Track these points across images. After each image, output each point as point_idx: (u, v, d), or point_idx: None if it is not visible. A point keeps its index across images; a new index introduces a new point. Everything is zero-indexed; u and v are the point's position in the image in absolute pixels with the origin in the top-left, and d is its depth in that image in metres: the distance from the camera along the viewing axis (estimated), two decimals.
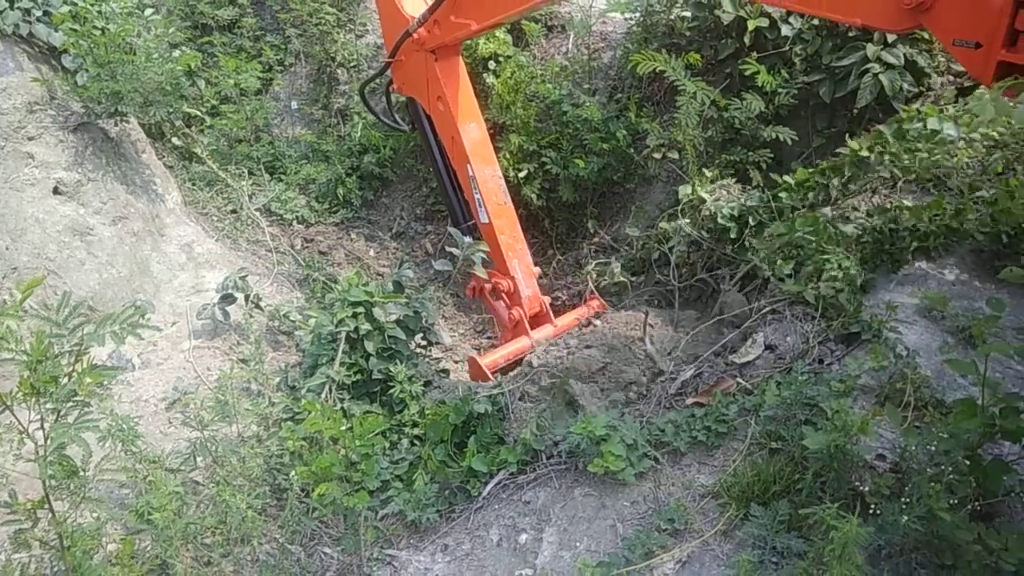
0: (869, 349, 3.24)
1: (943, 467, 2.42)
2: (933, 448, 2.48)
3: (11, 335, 2.32)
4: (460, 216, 5.16)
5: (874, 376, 3.37)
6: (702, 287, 4.85)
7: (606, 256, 6.03)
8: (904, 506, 2.37)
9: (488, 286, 5.06)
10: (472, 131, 4.73)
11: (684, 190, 4.83)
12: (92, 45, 4.55)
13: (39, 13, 4.72)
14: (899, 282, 3.86)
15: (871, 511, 2.51)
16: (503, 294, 4.96)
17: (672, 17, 5.60)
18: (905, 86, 4.36)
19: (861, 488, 2.63)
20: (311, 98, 7.61)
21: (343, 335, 4.27)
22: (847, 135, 4.42)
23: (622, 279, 4.95)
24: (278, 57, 7.50)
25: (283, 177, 6.97)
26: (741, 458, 3.14)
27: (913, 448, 2.61)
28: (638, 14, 5.81)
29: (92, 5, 4.94)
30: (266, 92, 7.51)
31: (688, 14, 5.50)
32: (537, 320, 4.89)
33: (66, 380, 2.33)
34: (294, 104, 7.70)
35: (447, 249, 4.86)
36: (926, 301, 3.51)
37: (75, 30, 4.66)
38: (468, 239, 4.82)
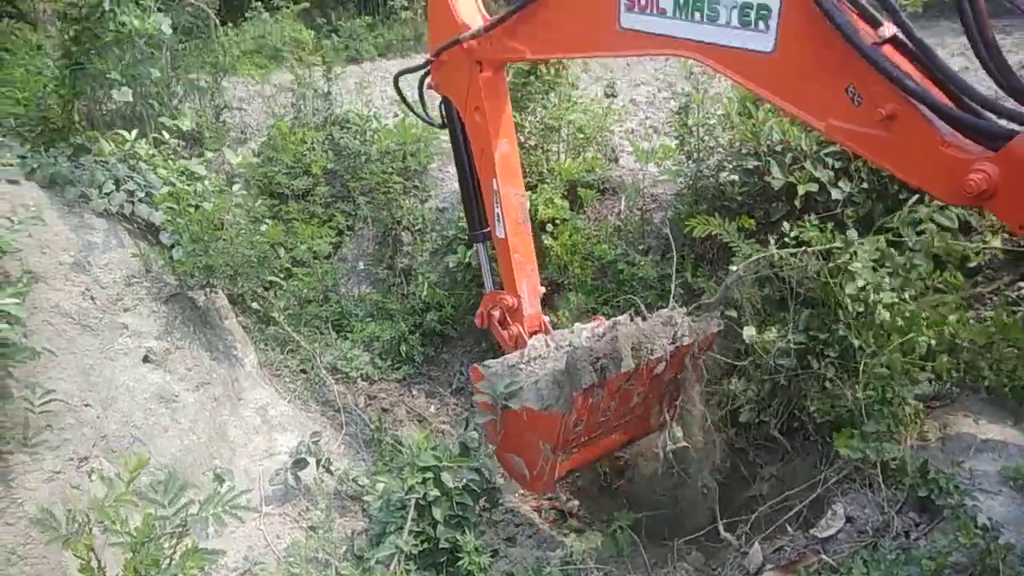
0: (959, 525, 3.14)
1: None
2: None
3: (118, 518, 2.44)
4: (476, 222, 5.21)
5: (964, 552, 3.25)
6: (773, 447, 4.78)
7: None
8: None
9: (496, 314, 5.11)
10: (503, 147, 4.67)
11: (748, 332, 4.87)
12: (188, 222, 4.97)
13: (142, 194, 5.22)
14: (977, 448, 3.78)
15: None
16: (506, 310, 4.99)
17: (721, 181, 5.88)
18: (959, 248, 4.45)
19: None
20: (376, 259, 8.03)
21: (412, 502, 4.29)
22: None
23: (685, 443, 4.90)
24: (348, 223, 8.00)
25: (349, 335, 7.23)
26: None
27: None
28: (688, 178, 6.12)
29: (187, 185, 5.45)
30: (335, 254, 7.96)
31: (736, 178, 5.78)
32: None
33: (167, 563, 2.41)
34: (360, 265, 8.13)
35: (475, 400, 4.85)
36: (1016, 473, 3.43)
37: (173, 208, 5.12)
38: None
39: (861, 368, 4.18)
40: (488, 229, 5.08)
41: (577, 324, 5.16)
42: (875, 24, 2.49)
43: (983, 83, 2.63)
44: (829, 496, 4.04)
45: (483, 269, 5.50)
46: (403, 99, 5.76)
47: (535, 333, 5.00)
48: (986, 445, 3.71)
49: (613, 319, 4.90)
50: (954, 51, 8.82)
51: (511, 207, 4.78)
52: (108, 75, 4.93)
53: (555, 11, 3.72)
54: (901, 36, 2.46)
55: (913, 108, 2.40)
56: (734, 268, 4.90)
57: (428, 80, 4.98)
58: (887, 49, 2.44)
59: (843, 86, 2.60)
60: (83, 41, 4.89)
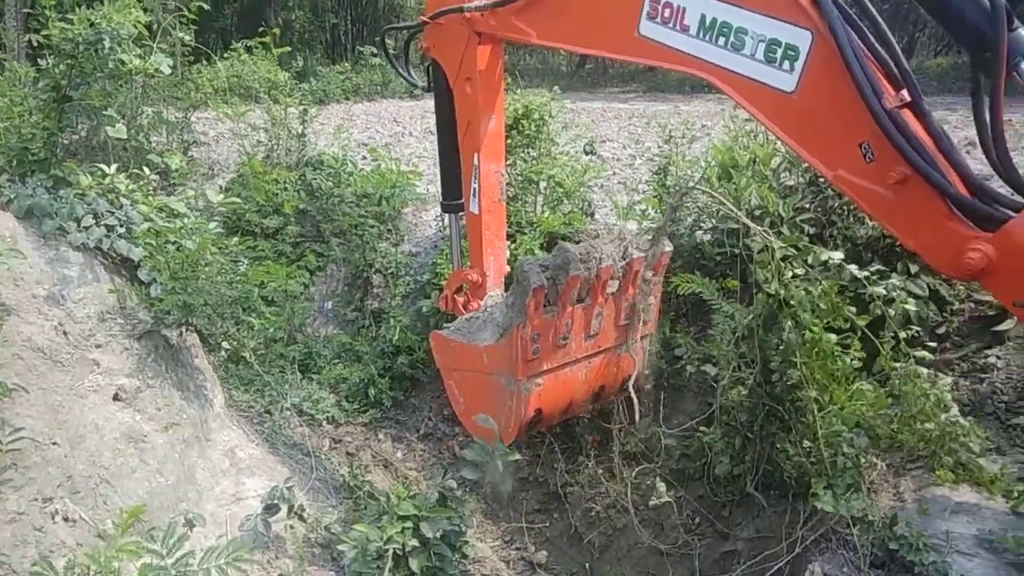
0: None
1: None
2: None
3: (112, 570, 2.34)
4: (451, 191, 5.13)
5: None
6: (749, 502, 4.85)
7: (638, 463, 6.05)
8: None
9: (461, 299, 5.09)
10: (491, 123, 4.59)
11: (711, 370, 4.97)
12: (169, 260, 4.86)
13: (121, 230, 5.08)
14: (953, 510, 3.91)
15: None
16: (470, 286, 5.00)
17: (698, 241, 6.05)
18: (931, 315, 4.67)
19: None
20: (345, 300, 7.97)
21: (390, 552, 4.20)
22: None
23: (668, 499, 4.92)
24: (319, 263, 7.94)
25: (315, 376, 7.11)
26: None
27: None
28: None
29: (168, 222, 5.34)
30: (302, 294, 7.87)
31: (708, 238, 5.95)
32: None
33: None
34: (328, 305, 8.04)
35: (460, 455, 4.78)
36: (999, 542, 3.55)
37: (152, 244, 5.00)
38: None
39: (816, 422, 4.30)
40: (462, 200, 4.99)
41: None
42: (898, 86, 2.57)
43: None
44: (807, 555, 4.11)
45: (451, 243, 5.48)
46: (387, 56, 5.81)
47: None
48: (961, 507, 3.84)
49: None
50: None
51: (490, 185, 4.72)
52: (104, 111, 4.83)
53: (575, 1, 3.62)
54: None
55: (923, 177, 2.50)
56: (678, 188, 5.00)
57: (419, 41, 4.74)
58: (906, 113, 2.53)
59: (858, 141, 2.66)
60: (74, 76, 4.81)
